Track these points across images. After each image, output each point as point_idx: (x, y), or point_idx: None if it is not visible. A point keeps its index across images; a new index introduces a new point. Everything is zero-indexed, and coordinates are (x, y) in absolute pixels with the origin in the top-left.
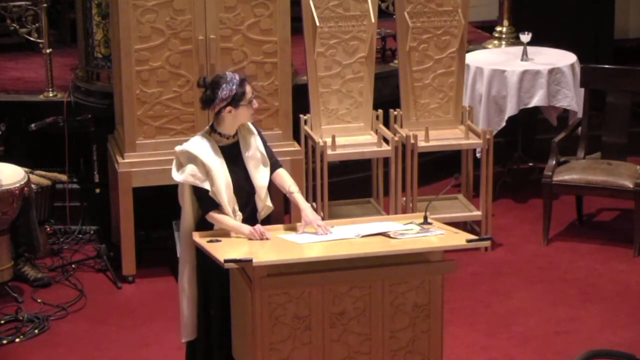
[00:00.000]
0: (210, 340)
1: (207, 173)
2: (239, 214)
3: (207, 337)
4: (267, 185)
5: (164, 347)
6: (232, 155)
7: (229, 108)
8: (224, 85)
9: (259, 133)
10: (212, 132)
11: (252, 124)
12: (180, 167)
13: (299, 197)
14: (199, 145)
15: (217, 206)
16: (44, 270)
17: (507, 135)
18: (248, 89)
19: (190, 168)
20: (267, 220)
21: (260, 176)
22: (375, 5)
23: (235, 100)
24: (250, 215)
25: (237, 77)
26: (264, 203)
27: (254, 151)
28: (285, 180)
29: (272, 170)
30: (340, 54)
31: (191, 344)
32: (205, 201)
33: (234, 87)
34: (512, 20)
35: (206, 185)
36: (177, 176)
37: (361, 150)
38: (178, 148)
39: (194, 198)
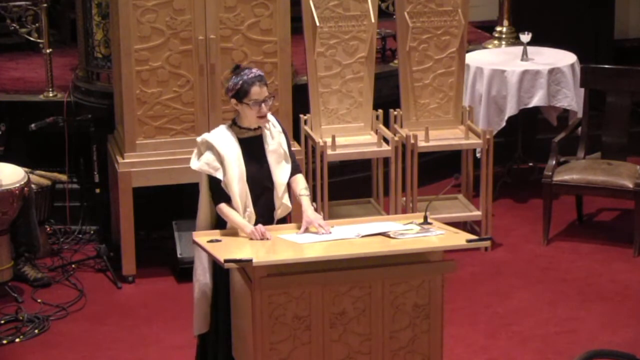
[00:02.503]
0: (219, 335)
1: (221, 163)
2: (250, 209)
3: (217, 331)
4: (286, 183)
5: (164, 347)
6: (252, 148)
7: (234, 100)
8: (235, 76)
9: (284, 131)
10: (232, 125)
11: (278, 121)
12: (199, 156)
13: (305, 199)
14: (217, 135)
15: (228, 198)
16: (44, 270)
17: (507, 135)
18: (254, 90)
19: (206, 156)
20: (283, 221)
21: (280, 172)
22: (375, 5)
23: (239, 96)
24: (263, 212)
25: (252, 74)
26: (281, 201)
27: (277, 146)
28: (299, 183)
29: (291, 174)
30: (340, 54)
31: (202, 338)
32: (217, 192)
33: (241, 81)
34: (512, 20)
35: (219, 175)
36: (194, 164)
37: (361, 150)
38: (199, 138)
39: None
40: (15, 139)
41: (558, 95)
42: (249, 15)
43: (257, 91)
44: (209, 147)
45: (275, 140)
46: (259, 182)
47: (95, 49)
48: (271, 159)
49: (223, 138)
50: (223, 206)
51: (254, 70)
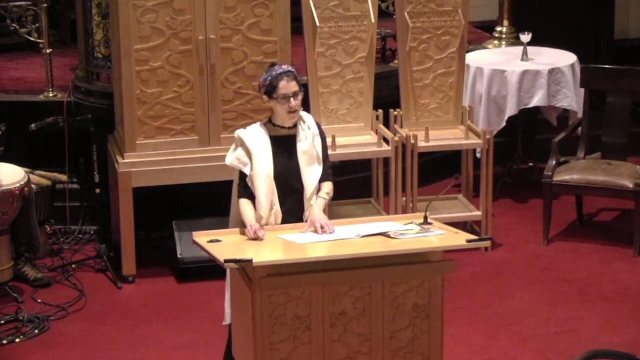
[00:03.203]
0: None
1: (250, 158)
2: (276, 207)
3: None
4: (315, 185)
5: (164, 347)
6: (284, 146)
7: (265, 97)
8: (265, 73)
9: (322, 135)
10: (267, 122)
11: (318, 125)
12: (234, 151)
13: (319, 200)
14: (250, 131)
15: (251, 195)
16: (44, 270)
17: (507, 135)
18: (282, 84)
19: (238, 151)
20: None
21: (310, 173)
22: (375, 5)
23: (269, 92)
24: (292, 212)
25: (280, 69)
26: (309, 203)
27: (310, 148)
28: (324, 188)
29: (321, 179)
30: (340, 54)
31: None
32: (242, 187)
33: (269, 77)
34: (512, 20)
35: (246, 170)
36: (227, 159)
37: (361, 150)
38: (235, 133)
39: None
40: (15, 139)
41: (558, 95)
42: (249, 15)
43: (285, 85)
44: (241, 142)
45: (308, 141)
46: (286, 181)
47: (95, 49)
48: (302, 159)
49: (255, 134)
50: (242, 201)
51: (284, 66)
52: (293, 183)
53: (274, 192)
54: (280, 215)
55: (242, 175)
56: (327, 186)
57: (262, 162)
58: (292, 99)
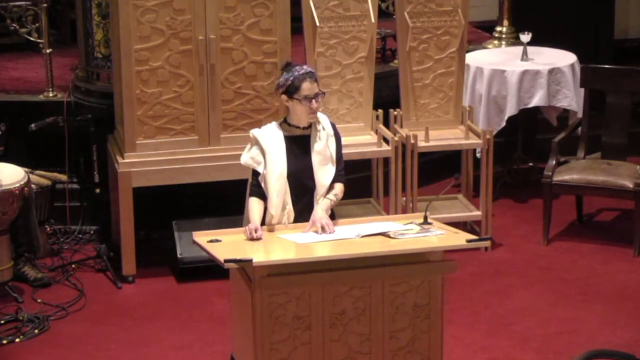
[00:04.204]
0: None
1: (264, 157)
2: (289, 207)
3: None
4: (328, 185)
5: (164, 347)
6: (298, 146)
7: (284, 97)
8: (286, 73)
9: (337, 136)
10: (282, 122)
11: (334, 126)
12: (249, 151)
13: (325, 200)
14: (264, 131)
15: (262, 194)
16: (44, 270)
17: (507, 135)
18: (305, 86)
19: (252, 150)
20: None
21: (323, 174)
22: (375, 5)
23: (290, 92)
24: (303, 210)
25: (302, 70)
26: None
27: (324, 148)
28: (334, 189)
29: (333, 181)
30: (340, 54)
31: None
32: (255, 185)
33: (292, 77)
34: (512, 20)
35: (259, 169)
36: (242, 158)
37: (361, 150)
38: (250, 132)
39: None
40: (15, 139)
41: (558, 95)
42: (249, 15)
43: (308, 87)
44: (256, 141)
45: (322, 142)
46: (300, 181)
47: (95, 49)
48: (315, 159)
49: (269, 133)
50: (252, 199)
51: (304, 66)
52: (306, 183)
53: (287, 191)
54: (292, 214)
55: (255, 174)
56: (337, 187)
57: (276, 161)
58: (314, 100)
